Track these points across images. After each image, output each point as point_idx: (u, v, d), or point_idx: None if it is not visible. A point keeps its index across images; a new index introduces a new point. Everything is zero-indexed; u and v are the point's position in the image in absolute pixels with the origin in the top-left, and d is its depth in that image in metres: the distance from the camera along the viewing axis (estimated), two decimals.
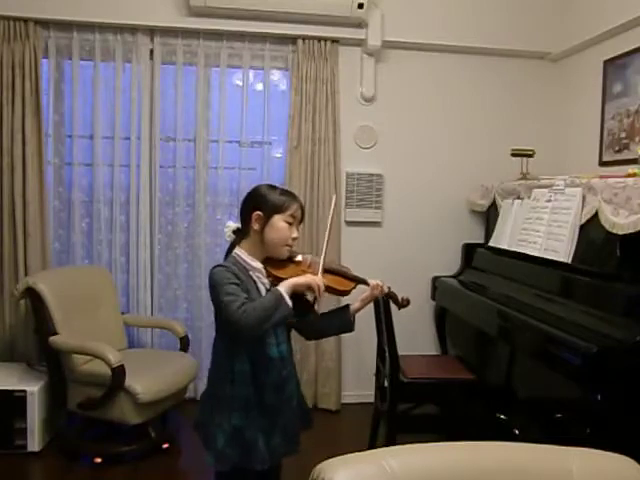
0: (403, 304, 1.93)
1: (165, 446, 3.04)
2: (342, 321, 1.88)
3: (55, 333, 2.95)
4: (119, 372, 2.78)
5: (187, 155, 3.66)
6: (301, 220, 1.84)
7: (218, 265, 1.73)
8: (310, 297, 1.77)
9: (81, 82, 3.54)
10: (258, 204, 1.77)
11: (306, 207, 3.57)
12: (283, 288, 1.66)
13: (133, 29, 3.53)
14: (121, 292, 3.63)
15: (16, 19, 3.34)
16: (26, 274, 3.35)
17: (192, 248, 3.70)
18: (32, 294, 3.01)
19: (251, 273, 1.75)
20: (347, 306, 1.89)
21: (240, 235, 1.82)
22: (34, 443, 2.96)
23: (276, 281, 1.76)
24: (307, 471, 1.22)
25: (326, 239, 1.88)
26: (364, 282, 1.86)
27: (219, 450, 1.71)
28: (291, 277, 1.75)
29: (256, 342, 1.72)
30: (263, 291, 1.76)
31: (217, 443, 1.72)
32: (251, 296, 1.70)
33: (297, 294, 1.74)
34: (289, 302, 1.65)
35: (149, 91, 3.60)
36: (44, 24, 3.44)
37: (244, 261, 1.76)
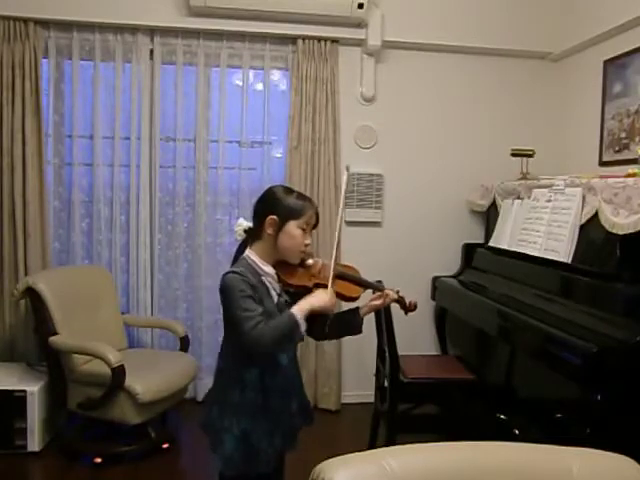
0: (410, 308, 1.89)
1: (165, 446, 3.04)
2: (352, 324, 1.84)
3: (55, 333, 2.95)
4: (119, 372, 2.78)
5: (187, 155, 3.66)
6: (315, 225, 1.79)
7: (232, 271, 1.67)
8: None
9: (81, 82, 3.54)
10: (273, 208, 1.71)
11: None
12: (299, 314, 1.62)
13: (133, 29, 3.53)
14: (121, 292, 3.63)
15: (16, 19, 3.34)
16: (26, 274, 3.35)
17: (192, 248, 3.70)
18: (32, 294, 3.01)
19: (263, 278, 1.71)
20: (357, 309, 1.84)
21: (252, 236, 1.76)
22: (34, 443, 2.96)
23: (287, 286, 1.75)
24: (307, 471, 1.22)
25: (335, 243, 1.84)
26: (374, 287, 1.84)
27: (227, 455, 1.70)
28: (301, 284, 1.74)
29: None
30: (275, 297, 1.73)
31: (225, 447, 1.70)
32: (264, 304, 1.67)
33: (300, 295, 1.72)
34: (303, 328, 1.63)
35: (149, 91, 3.60)
36: (44, 24, 3.44)
37: (257, 265, 1.71)
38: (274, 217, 1.70)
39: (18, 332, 3.41)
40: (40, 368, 3.18)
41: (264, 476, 1.74)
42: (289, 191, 1.77)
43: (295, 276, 1.75)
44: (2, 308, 3.41)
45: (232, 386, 1.72)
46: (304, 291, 1.76)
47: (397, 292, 1.86)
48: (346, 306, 1.87)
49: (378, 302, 1.82)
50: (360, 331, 1.86)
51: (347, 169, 2.01)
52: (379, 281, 2.78)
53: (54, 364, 3.01)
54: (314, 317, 1.70)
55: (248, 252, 1.74)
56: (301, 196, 1.76)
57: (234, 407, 1.71)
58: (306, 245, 1.74)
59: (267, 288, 1.71)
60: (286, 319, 1.62)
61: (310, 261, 1.79)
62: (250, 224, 1.78)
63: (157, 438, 3.01)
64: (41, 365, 3.18)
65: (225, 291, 1.64)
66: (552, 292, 2.62)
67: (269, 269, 1.73)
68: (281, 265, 1.76)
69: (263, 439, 1.70)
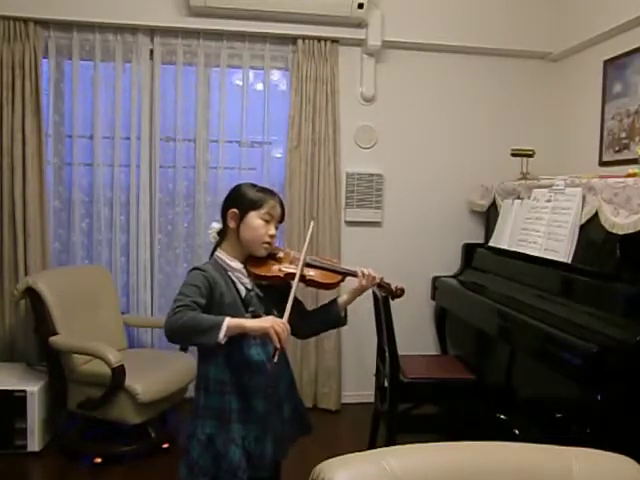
0: (397, 294, 1.86)
1: (165, 446, 3.03)
2: (331, 316, 1.82)
3: (55, 333, 2.94)
4: (119, 372, 2.78)
5: (187, 155, 3.66)
6: (281, 219, 1.79)
7: (196, 267, 1.70)
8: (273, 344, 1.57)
9: (81, 82, 3.54)
10: (234, 202, 1.75)
11: (306, 207, 3.64)
12: (228, 323, 1.53)
13: (133, 29, 3.53)
14: (121, 292, 3.63)
15: (16, 19, 3.34)
16: (26, 274, 3.35)
17: (192, 248, 3.70)
18: (32, 294, 3.00)
19: (230, 274, 1.71)
20: (335, 300, 1.83)
21: (221, 236, 1.79)
22: (34, 443, 2.96)
23: (257, 279, 1.74)
24: (307, 471, 1.22)
25: (305, 246, 1.80)
26: (352, 274, 1.80)
27: (193, 461, 1.65)
28: (272, 275, 1.72)
29: (234, 342, 1.63)
30: (243, 291, 1.72)
31: (192, 453, 1.66)
32: (224, 299, 1.66)
33: (277, 288, 1.71)
34: (222, 335, 1.52)
35: (149, 91, 3.60)
36: (44, 24, 3.44)
37: (224, 262, 1.73)
38: (235, 210, 1.72)
39: (18, 332, 3.40)
40: (40, 368, 3.18)
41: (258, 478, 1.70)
42: (252, 186, 1.79)
43: (266, 268, 1.74)
44: (2, 308, 3.41)
45: (198, 388, 1.72)
46: (278, 283, 1.76)
47: (381, 278, 1.83)
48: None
49: (358, 285, 1.78)
50: (343, 322, 1.84)
51: (312, 220, 1.95)
52: None
53: (54, 364, 3.01)
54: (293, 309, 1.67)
55: (217, 251, 1.77)
56: (263, 189, 1.78)
57: (199, 410, 1.69)
58: (271, 236, 1.73)
59: (233, 282, 1.71)
60: (212, 318, 1.55)
61: (281, 253, 1.80)
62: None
63: (157, 438, 3.01)
64: (41, 365, 3.18)
65: (183, 283, 1.66)
66: (552, 292, 2.62)
67: (236, 264, 1.73)
68: (251, 259, 1.76)
69: (229, 446, 1.63)
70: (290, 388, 1.82)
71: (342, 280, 1.81)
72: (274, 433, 1.71)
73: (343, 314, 1.83)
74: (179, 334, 1.57)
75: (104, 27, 3.50)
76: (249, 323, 1.58)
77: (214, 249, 1.80)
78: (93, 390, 2.87)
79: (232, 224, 1.73)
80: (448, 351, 3.78)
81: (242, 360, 1.67)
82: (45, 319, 2.97)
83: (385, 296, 2.62)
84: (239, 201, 1.74)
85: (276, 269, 1.75)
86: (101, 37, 3.51)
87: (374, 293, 2.82)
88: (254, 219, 1.71)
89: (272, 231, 1.73)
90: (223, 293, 1.66)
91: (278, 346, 1.55)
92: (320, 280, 1.78)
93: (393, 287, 1.87)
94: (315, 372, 3.73)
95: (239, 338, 1.66)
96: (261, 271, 1.73)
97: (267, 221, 1.73)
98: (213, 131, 3.67)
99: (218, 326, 1.52)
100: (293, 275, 1.73)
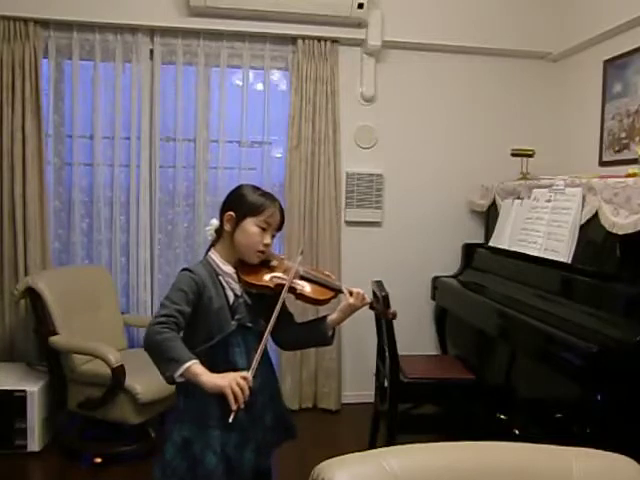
0: (388, 317, 1.82)
1: None
2: (317, 333, 1.73)
3: (55, 333, 2.94)
4: (119, 372, 2.78)
5: (187, 155, 3.66)
6: (279, 227, 1.73)
7: (187, 269, 1.65)
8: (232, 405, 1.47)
9: (81, 82, 3.54)
10: (233, 204, 1.70)
11: (306, 207, 3.63)
12: (192, 370, 1.47)
13: (133, 29, 3.53)
14: (121, 292, 3.63)
15: (16, 19, 3.34)
16: (26, 274, 3.35)
17: (192, 248, 3.70)
18: (32, 294, 3.01)
19: (221, 278, 1.67)
20: (324, 318, 1.74)
21: (217, 235, 1.74)
22: (34, 443, 2.96)
23: (247, 286, 1.68)
24: (307, 471, 1.22)
25: (299, 258, 1.75)
26: (341, 291, 1.71)
27: (167, 461, 1.61)
28: (262, 285, 1.66)
29: (218, 349, 1.62)
30: (231, 297, 1.67)
31: (165, 455, 1.62)
32: (212, 304, 1.62)
33: (267, 297, 1.68)
34: (177, 374, 1.47)
35: (149, 91, 3.60)
36: (44, 24, 3.43)
37: (215, 264, 1.68)
38: (231, 213, 1.68)
39: (18, 332, 3.40)
40: (40, 368, 3.18)
41: None
42: (254, 189, 1.73)
43: (257, 276, 1.68)
44: (2, 308, 3.41)
45: (178, 390, 1.67)
46: (268, 292, 1.69)
47: (372, 301, 1.76)
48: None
49: (346, 304, 1.69)
50: (328, 342, 1.75)
51: (301, 253, 1.84)
52: (379, 281, 2.77)
53: (54, 364, 3.02)
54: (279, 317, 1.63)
55: (211, 252, 1.73)
56: (265, 194, 1.72)
57: (178, 413, 1.66)
58: (265, 245, 1.68)
59: (223, 287, 1.67)
60: (180, 354, 1.49)
61: (275, 262, 1.74)
62: None
63: (157, 438, 3.00)
64: (41, 365, 3.18)
65: (172, 284, 1.63)
66: (552, 292, 2.62)
67: (228, 268, 1.69)
68: (243, 265, 1.70)
69: (206, 452, 1.58)
70: (271, 400, 1.75)
71: (334, 297, 1.73)
72: (255, 441, 1.66)
73: (330, 333, 1.73)
74: (149, 350, 1.53)
75: (104, 27, 3.50)
76: (206, 377, 1.47)
77: (208, 248, 1.77)
78: (93, 390, 2.87)
79: (227, 227, 1.69)
80: (448, 351, 3.78)
81: (225, 365, 1.60)
82: (45, 319, 2.97)
83: (387, 299, 2.58)
84: (238, 204, 1.69)
85: (267, 278, 1.68)
86: (101, 37, 3.51)
87: (374, 291, 2.81)
88: (250, 226, 1.66)
89: (267, 240, 1.68)
90: (212, 297, 1.62)
91: (234, 408, 1.45)
92: (311, 295, 1.70)
93: (387, 312, 1.83)
94: (315, 372, 3.73)
95: (223, 343, 1.63)
96: (252, 279, 1.67)
97: (264, 229, 1.67)
98: (213, 131, 3.66)
99: (179, 365, 1.47)
100: (283, 287, 1.66)
